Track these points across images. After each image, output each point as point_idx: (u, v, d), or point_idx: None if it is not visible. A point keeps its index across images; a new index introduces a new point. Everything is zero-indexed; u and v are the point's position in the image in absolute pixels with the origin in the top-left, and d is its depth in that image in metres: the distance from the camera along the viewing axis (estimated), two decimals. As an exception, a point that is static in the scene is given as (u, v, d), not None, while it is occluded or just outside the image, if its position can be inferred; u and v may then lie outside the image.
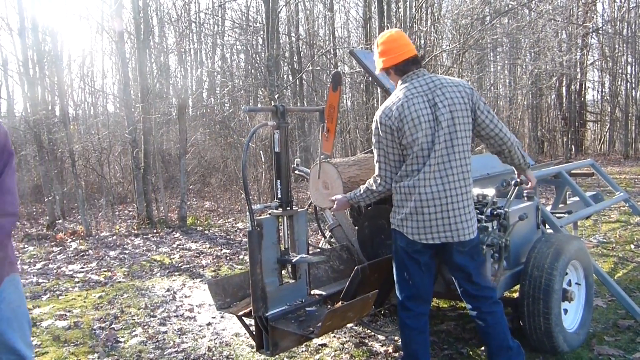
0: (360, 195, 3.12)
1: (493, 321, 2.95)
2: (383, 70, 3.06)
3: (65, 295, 5.68)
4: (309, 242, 4.35)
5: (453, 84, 2.89)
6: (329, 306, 3.30)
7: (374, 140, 2.97)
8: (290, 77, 16.51)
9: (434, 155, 2.80)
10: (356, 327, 4.20)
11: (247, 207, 2.85)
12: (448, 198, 2.82)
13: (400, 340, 3.89)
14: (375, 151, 2.98)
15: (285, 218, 3.13)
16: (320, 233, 4.56)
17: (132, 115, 10.01)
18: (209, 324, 4.57)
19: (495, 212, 3.33)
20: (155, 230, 9.22)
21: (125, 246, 8.17)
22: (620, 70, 21.08)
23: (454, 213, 2.83)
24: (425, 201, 2.82)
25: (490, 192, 3.37)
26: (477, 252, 2.98)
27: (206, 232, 9.02)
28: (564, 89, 20.34)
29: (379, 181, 3.00)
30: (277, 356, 3.59)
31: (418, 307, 3.01)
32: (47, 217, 10.36)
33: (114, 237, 8.85)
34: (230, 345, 4.07)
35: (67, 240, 8.78)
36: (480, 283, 2.96)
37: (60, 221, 10.47)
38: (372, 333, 4.08)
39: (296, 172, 4.36)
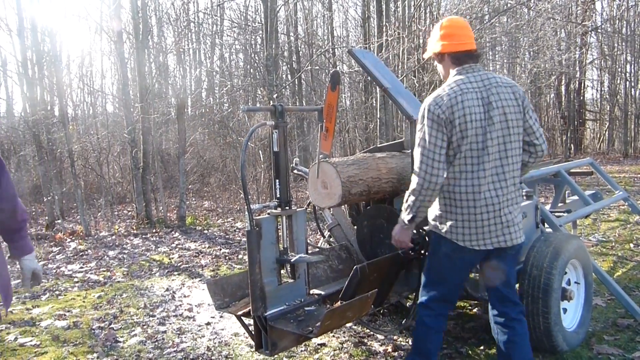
0: (409, 205, 2.78)
1: (521, 330, 2.83)
2: (438, 55, 2.85)
3: (65, 295, 5.67)
4: (308, 241, 4.35)
5: (507, 84, 2.76)
6: (328, 306, 3.30)
7: (418, 129, 2.75)
8: (289, 77, 16.49)
9: (488, 159, 2.67)
10: (355, 327, 4.20)
11: (245, 207, 2.84)
12: (502, 203, 2.71)
13: (411, 338, 3.89)
14: (418, 141, 2.73)
15: (284, 218, 3.13)
16: (319, 232, 4.56)
17: (131, 115, 10.00)
18: (208, 323, 4.57)
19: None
20: (154, 230, 9.22)
21: (124, 246, 8.17)
22: (619, 69, 21.10)
23: (506, 218, 2.72)
24: (479, 207, 2.69)
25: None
26: (520, 255, 2.93)
27: (205, 231, 9.01)
28: (563, 88, 20.35)
29: (420, 175, 2.69)
30: (276, 356, 3.59)
31: (442, 308, 2.92)
32: (47, 217, 10.35)
33: (113, 237, 8.85)
34: (229, 345, 4.07)
35: (66, 240, 8.77)
36: (514, 286, 2.91)
37: (59, 221, 10.45)
38: (371, 332, 4.08)
39: (295, 171, 4.36)
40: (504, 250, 2.80)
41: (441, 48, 2.81)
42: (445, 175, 2.71)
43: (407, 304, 4.37)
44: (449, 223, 2.76)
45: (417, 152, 2.73)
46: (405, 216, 2.83)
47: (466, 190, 2.69)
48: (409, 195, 2.77)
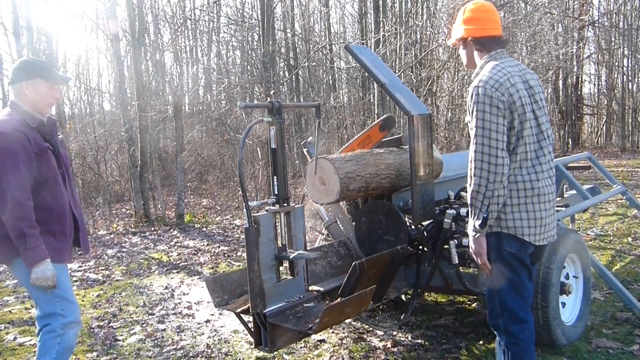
0: (477, 207, 2.47)
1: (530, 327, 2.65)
2: (460, 40, 2.70)
3: (63, 294, 5.66)
4: (320, 231, 4.35)
5: (532, 72, 2.66)
6: (327, 302, 3.30)
7: (472, 116, 2.48)
8: (286, 73, 16.48)
9: (546, 143, 2.56)
10: (355, 323, 4.20)
11: (244, 204, 2.84)
12: (554, 193, 2.59)
13: (410, 333, 3.90)
14: (474, 132, 2.47)
15: (282, 214, 3.13)
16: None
17: (128, 113, 9.97)
18: (208, 321, 4.57)
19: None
20: (152, 228, 9.21)
21: (123, 244, 8.15)
22: (616, 63, 21.09)
23: (554, 210, 2.61)
24: (543, 195, 2.52)
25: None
26: None
27: (204, 229, 9.01)
28: (560, 83, 20.37)
29: (483, 167, 2.43)
30: (275, 352, 3.59)
31: (529, 315, 2.64)
32: (44, 216, 10.31)
33: (112, 236, 8.84)
34: (229, 342, 4.07)
35: (64, 239, 8.74)
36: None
37: (57, 220, 10.43)
38: (371, 328, 4.08)
39: (304, 150, 4.37)
40: (548, 246, 2.69)
41: (464, 33, 2.67)
42: (509, 164, 2.47)
43: (405, 299, 4.38)
44: (512, 218, 2.52)
45: (474, 143, 2.46)
46: (474, 222, 2.50)
47: (530, 178, 2.51)
48: (473, 196, 2.47)
